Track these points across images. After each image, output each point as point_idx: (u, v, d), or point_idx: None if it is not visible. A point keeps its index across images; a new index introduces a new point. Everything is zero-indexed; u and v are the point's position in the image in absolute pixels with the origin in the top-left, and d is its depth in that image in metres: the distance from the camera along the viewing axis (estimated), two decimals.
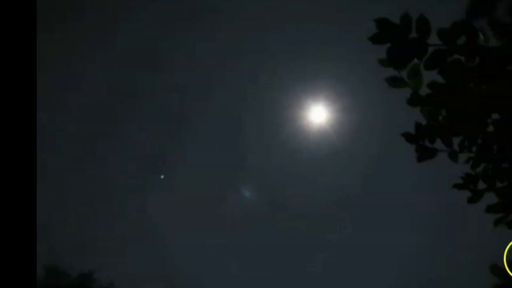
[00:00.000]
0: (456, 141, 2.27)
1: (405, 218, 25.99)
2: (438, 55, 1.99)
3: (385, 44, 2.00)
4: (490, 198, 2.29)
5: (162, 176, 27.44)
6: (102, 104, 27.29)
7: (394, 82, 2.15)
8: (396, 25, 1.97)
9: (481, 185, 2.32)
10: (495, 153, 2.22)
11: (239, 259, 27.43)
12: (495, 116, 2.13)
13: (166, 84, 27.06)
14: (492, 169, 2.27)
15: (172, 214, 27.32)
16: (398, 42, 1.99)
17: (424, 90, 2.14)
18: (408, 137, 2.28)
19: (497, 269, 2.26)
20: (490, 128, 2.15)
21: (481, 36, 1.95)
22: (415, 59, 2.03)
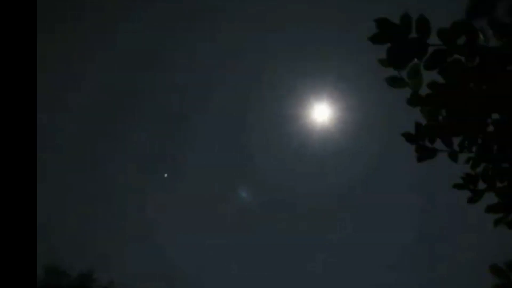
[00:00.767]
0: (456, 141, 2.27)
1: (405, 218, 25.98)
2: (438, 55, 1.99)
3: (385, 44, 2.00)
4: (490, 198, 2.30)
5: (165, 175, 27.46)
6: (102, 104, 27.29)
7: (394, 82, 2.15)
8: (396, 25, 1.97)
9: (481, 185, 2.32)
10: (495, 153, 2.22)
11: (239, 259, 27.43)
12: (495, 116, 2.13)
13: (167, 84, 27.07)
14: (492, 169, 2.27)
15: (173, 214, 27.33)
16: (398, 42, 1.99)
17: (424, 90, 2.14)
18: (408, 137, 2.28)
19: (497, 269, 2.27)
20: (490, 128, 2.15)
21: (481, 36, 1.95)
22: (415, 59, 2.03)
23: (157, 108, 28.12)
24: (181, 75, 26.69)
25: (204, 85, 26.95)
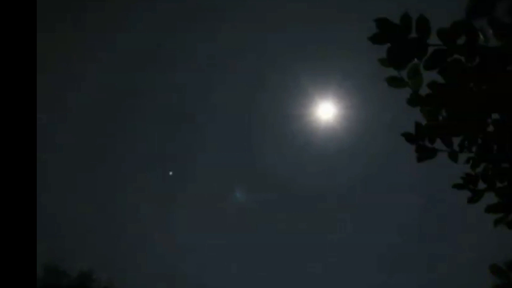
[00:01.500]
0: (456, 141, 2.27)
1: (405, 218, 25.97)
2: (438, 55, 1.99)
3: (385, 44, 2.00)
4: (490, 198, 2.29)
5: (171, 173, 27.43)
6: (103, 103, 27.29)
7: (394, 82, 2.15)
8: (396, 25, 1.97)
9: (481, 185, 2.32)
10: (495, 153, 2.22)
11: (239, 259, 27.42)
12: (495, 116, 2.13)
13: (171, 84, 27.05)
14: (492, 169, 2.27)
15: (173, 214, 27.30)
16: (398, 42, 1.99)
17: (424, 90, 2.14)
18: (408, 137, 2.28)
19: (497, 269, 2.27)
20: (490, 128, 2.15)
21: (481, 36, 1.95)
22: (415, 59, 2.03)
23: (162, 107, 28.13)
24: (185, 75, 26.70)
25: (209, 85, 26.96)
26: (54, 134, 24.90)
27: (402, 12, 1.97)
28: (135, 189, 28.20)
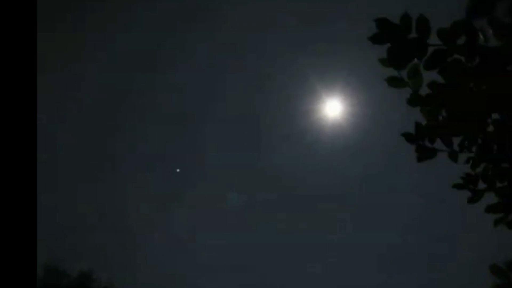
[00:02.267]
0: (456, 141, 2.27)
1: (405, 218, 25.96)
2: (438, 55, 1.99)
3: (385, 44, 2.00)
4: (490, 198, 2.29)
5: (178, 170, 27.43)
6: (109, 104, 27.30)
7: (394, 82, 2.15)
8: (396, 25, 1.97)
9: (481, 185, 2.32)
10: (495, 153, 2.22)
11: (239, 259, 27.41)
12: (495, 116, 2.13)
13: (179, 84, 27.05)
14: (492, 169, 2.27)
15: (173, 214, 27.29)
16: (398, 42, 1.99)
17: (424, 90, 2.14)
18: (408, 137, 2.28)
19: (497, 269, 2.27)
20: (490, 128, 2.15)
21: (481, 36, 1.95)
22: (415, 59, 2.03)
23: (169, 107, 28.14)
24: (185, 75, 26.70)
25: (210, 84, 26.96)
26: (54, 134, 24.91)
27: (402, 12, 1.97)
28: (135, 189, 28.20)
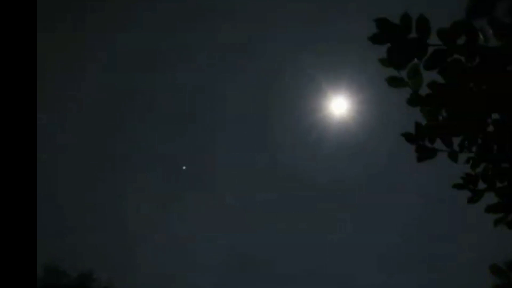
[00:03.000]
0: (456, 141, 2.27)
1: (405, 218, 25.97)
2: (438, 55, 1.99)
3: (385, 44, 2.00)
4: (490, 198, 2.29)
5: (184, 167, 27.41)
6: (109, 104, 27.32)
7: (394, 82, 2.15)
8: (396, 25, 1.97)
9: (481, 185, 2.32)
10: (495, 153, 2.22)
11: (239, 259, 27.42)
12: (495, 116, 2.13)
13: (187, 85, 27.05)
14: (492, 169, 2.27)
15: (173, 214, 27.30)
16: (398, 42, 1.99)
17: (424, 90, 2.14)
18: (408, 137, 2.28)
19: (497, 269, 2.27)
20: (490, 128, 2.15)
21: (481, 36, 1.95)
22: (415, 59, 2.03)
23: (171, 107, 28.13)
24: (186, 75, 26.71)
25: (212, 83, 26.97)
26: (54, 134, 24.92)
27: (402, 12, 1.97)
28: (135, 189, 28.21)
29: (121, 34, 25.01)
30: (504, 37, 1.92)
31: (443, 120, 2.18)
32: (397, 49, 2.00)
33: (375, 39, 1.99)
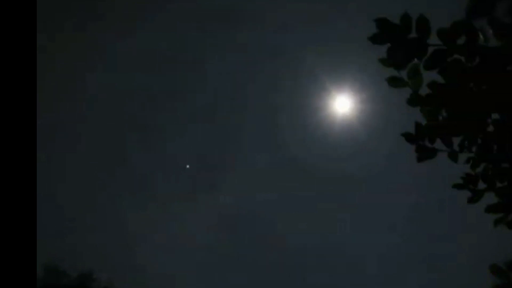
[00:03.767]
0: (456, 141, 2.27)
1: (405, 218, 25.98)
2: (438, 55, 1.99)
3: (385, 44, 2.00)
4: (490, 198, 2.29)
5: (187, 166, 27.38)
6: (109, 104, 27.34)
7: (394, 82, 2.15)
8: (396, 25, 1.97)
9: (481, 185, 2.32)
10: (495, 153, 2.22)
11: (239, 259, 27.43)
12: (495, 116, 2.13)
13: (195, 86, 27.05)
14: (492, 169, 2.27)
15: (173, 215, 27.31)
16: (398, 42, 1.99)
17: (424, 90, 2.14)
18: (408, 137, 2.28)
19: (497, 269, 2.27)
20: (490, 128, 2.15)
21: (481, 36, 1.95)
22: (415, 59, 2.03)
23: (172, 107, 28.13)
24: (193, 75, 26.73)
25: (218, 84, 26.98)
26: (54, 134, 24.93)
27: (402, 12, 1.97)
28: (135, 188, 28.22)
29: (131, 34, 24.99)
30: (504, 37, 1.93)
31: (443, 120, 2.18)
32: (397, 49, 2.00)
33: (375, 39, 1.99)
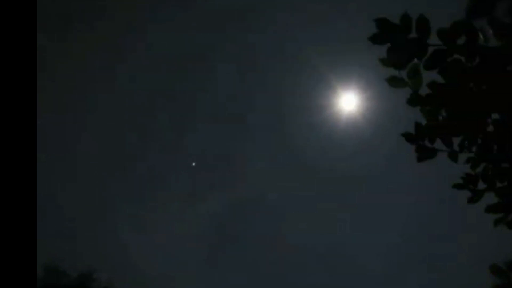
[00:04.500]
0: (456, 141, 2.27)
1: (405, 218, 25.98)
2: (438, 55, 1.99)
3: (385, 44, 2.00)
4: (490, 198, 2.29)
5: (193, 164, 27.35)
6: (109, 104, 27.35)
7: (394, 82, 2.15)
8: (396, 25, 1.97)
9: (481, 185, 2.32)
10: (495, 153, 2.22)
11: (239, 259, 27.44)
12: (495, 116, 2.13)
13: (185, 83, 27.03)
14: (492, 169, 2.27)
15: (173, 215, 27.32)
16: (398, 42, 1.99)
17: (424, 90, 2.14)
18: (408, 137, 2.28)
19: (497, 269, 2.27)
20: (490, 128, 2.15)
21: (481, 36, 1.95)
22: (415, 59, 2.03)
23: (172, 107, 28.14)
24: (194, 75, 26.74)
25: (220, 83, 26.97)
26: (56, 134, 24.94)
27: (402, 12, 1.97)
28: (135, 189, 28.23)
29: (157, 34, 24.98)
30: (504, 37, 1.93)
31: (443, 120, 2.18)
32: (397, 49, 2.00)
33: (375, 39, 1.99)
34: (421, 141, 2.28)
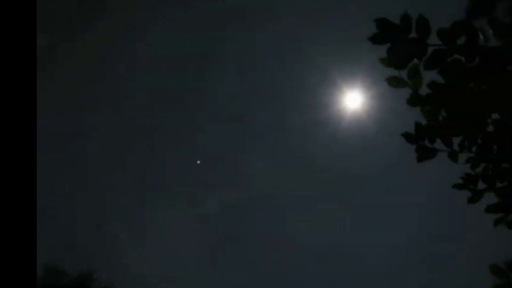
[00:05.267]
0: (456, 141, 2.27)
1: (405, 218, 25.98)
2: (438, 55, 1.99)
3: (385, 44, 2.00)
4: (490, 198, 2.29)
5: (198, 162, 27.30)
6: (109, 104, 27.37)
7: (394, 82, 2.15)
8: (396, 25, 1.97)
9: (481, 185, 2.32)
10: (495, 153, 2.22)
11: (239, 260, 27.44)
12: (495, 116, 2.13)
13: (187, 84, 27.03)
14: (492, 169, 2.27)
15: (173, 215, 27.31)
16: (398, 42, 1.99)
17: (424, 90, 2.14)
18: (408, 137, 2.28)
19: (497, 269, 2.27)
20: (490, 128, 2.15)
21: (481, 36, 1.95)
22: (415, 59, 2.03)
23: (173, 107, 28.14)
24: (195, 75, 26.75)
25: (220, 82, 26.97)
26: (56, 134, 24.94)
27: (402, 12, 1.97)
28: (135, 189, 28.23)
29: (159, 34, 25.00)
30: (504, 37, 1.92)
31: (443, 120, 2.18)
32: (397, 49, 2.00)
33: (375, 39, 1.99)
34: (421, 141, 2.28)
